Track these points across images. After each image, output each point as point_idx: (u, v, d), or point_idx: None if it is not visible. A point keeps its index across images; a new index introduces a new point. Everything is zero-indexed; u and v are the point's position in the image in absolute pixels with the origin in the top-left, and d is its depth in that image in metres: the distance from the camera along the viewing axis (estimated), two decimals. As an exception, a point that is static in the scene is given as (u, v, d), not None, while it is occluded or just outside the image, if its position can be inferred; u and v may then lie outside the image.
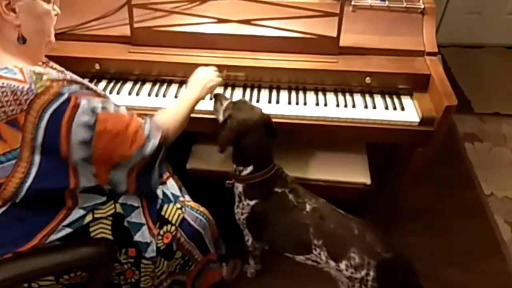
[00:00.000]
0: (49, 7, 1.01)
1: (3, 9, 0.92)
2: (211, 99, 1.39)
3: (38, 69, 0.94)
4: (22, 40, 0.97)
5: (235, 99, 1.44)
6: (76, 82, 0.97)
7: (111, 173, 1.02)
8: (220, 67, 1.44)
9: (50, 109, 0.90)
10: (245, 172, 1.31)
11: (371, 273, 1.13)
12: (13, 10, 0.93)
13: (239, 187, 1.36)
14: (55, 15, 1.05)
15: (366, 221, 1.23)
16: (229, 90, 1.49)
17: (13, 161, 0.94)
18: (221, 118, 1.33)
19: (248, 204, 1.35)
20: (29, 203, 0.99)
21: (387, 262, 1.13)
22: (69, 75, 1.15)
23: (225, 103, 1.33)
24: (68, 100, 0.92)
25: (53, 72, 0.96)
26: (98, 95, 1.04)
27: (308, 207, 1.27)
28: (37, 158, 0.94)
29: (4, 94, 0.89)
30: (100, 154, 0.97)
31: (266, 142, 1.30)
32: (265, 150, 1.31)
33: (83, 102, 0.93)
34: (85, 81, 1.16)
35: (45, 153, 0.94)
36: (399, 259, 1.16)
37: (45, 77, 0.91)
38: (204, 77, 1.32)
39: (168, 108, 1.23)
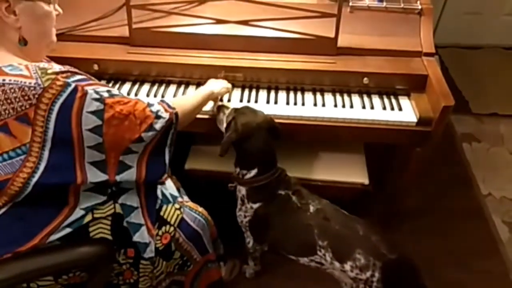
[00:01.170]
0: (50, 8, 1.01)
1: (3, 11, 0.92)
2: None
3: (42, 64, 0.95)
4: (24, 42, 0.98)
5: (233, 99, 1.46)
6: (78, 72, 0.98)
7: (122, 158, 1.02)
8: (218, 68, 1.45)
9: (59, 101, 0.91)
10: (248, 176, 1.31)
11: (376, 274, 1.13)
12: (14, 13, 0.94)
13: (242, 190, 1.36)
14: (57, 15, 1.05)
15: (370, 222, 1.24)
16: (225, 99, 1.49)
17: (22, 156, 0.95)
18: (224, 125, 1.33)
19: (251, 207, 1.35)
20: (31, 201, 0.99)
21: (392, 263, 1.13)
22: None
23: (227, 111, 1.34)
24: (75, 90, 0.93)
25: (56, 66, 0.97)
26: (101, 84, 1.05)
27: (311, 209, 1.27)
28: (46, 153, 0.95)
29: (12, 90, 0.89)
30: (111, 140, 0.98)
31: (270, 145, 1.30)
32: (270, 153, 1.31)
33: (90, 91, 0.95)
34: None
35: (55, 147, 0.95)
36: (404, 260, 1.16)
37: (49, 71, 0.92)
38: (218, 82, 1.38)
39: (186, 95, 1.33)
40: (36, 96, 0.90)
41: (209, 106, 1.39)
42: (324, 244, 1.22)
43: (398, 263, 1.15)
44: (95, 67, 1.47)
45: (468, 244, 1.86)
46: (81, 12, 1.53)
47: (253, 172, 1.30)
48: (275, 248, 1.44)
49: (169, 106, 1.11)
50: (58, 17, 1.07)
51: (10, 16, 0.94)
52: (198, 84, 1.50)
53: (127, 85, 1.50)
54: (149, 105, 1.06)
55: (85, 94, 0.94)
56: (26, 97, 0.90)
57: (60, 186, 1.00)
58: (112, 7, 1.54)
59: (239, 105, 1.39)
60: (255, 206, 1.34)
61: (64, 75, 0.93)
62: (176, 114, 1.11)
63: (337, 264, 1.21)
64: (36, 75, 0.91)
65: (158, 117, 1.05)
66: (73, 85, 0.93)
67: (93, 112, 0.95)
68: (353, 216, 1.27)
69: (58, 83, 0.91)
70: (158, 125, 1.05)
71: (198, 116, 1.40)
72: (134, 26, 1.47)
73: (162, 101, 1.12)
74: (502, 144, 2.43)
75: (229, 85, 1.41)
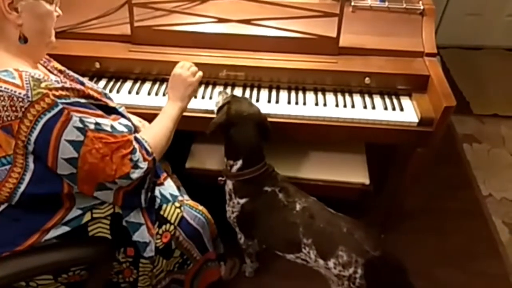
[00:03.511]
0: (51, 8, 1.01)
1: (5, 8, 0.92)
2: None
3: (38, 74, 0.93)
4: (24, 39, 0.97)
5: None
6: (74, 90, 0.96)
7: (95, 193, 1.00)
8: (220, 67, 1.45)
9: (43, 119, 0.89)
10: (235, 168, 1.32)
11: (359, 271, 1.14)
12: (16, 10, 0.93)
13: (229, 184, 1.37)
14: (57, 16, 1.05)
15: (356, 219, 1.24)
16: (228, 89, 1.50)
17: (7, 166, 0.94)
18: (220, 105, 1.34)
19: (238, 203, 1.35)
20: (25, 205, 0.99)
21: (375, 260, 1.14)
22: (70, 73, 1.15)
23: (226, 95, 1.36)
24: (60, 112, 0.90)
25: (52, 78, 0.95)
26: (97, 106, 1.01)
27: (298, 207, 1.27)
28: (31, 164, 0.94)
29: (1, 98, 0.88)
30: (84, 175, 0.96)
31: (256, 139, 1.30)
32: (255, 146, 1.31)
33: (75, 118, 0.92)
34: (85, 80, 1.17)
35: (39, 160, 0.94)
36: (388, 257, 1.16)
37: (43, 84, 0.90)
38: (182, 85, 1.26)
39: (154, 126, 1.18)
40: (23, 109, 0.88)
41: (208, 104, 1.38)
42: (309, 242, 1.22)
43: (382, 260, 1.15)
44: (97, 65, 1.47)
45: (468, 245, 1.86)
46: (83, 10, 1.53)
47: (239, 163, 1.31)
48: (263, 244, 1.44)
49: (147, 152, 1.05)
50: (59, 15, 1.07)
51: (12, 13, 0.93)
52: (199, 83, 1.49)
53: (128, 83, 1.50)
54: (132, 151, 1.00)
55: (68, 119, 0.91)
56: (14, 108, 0.88)
57: (49, 194, 1.00)
58: (114, 5, 1.54)
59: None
60: (242, 201, 1.34)
61: (58, 93, 0.91)
62: (154, 159, 1.07)
63: (321, 261, 1.21)
64: (28, 86, 0.89)
65: (136, 166, 1.00)
66: (60, 106, 0.90)
67: (71, 142, 0.92)
68: (339, 214, 1.27)
69: (47, 100, 0.89)
70: (135, 175, 1.00)
71: (199, 115, 1.40)
72: (136, 24, 1.47)
73: (140, 144, 1.05)
74: (502, 145, 2.43)
75: (194, 80, 1.27)
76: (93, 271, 1.10)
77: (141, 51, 1.48)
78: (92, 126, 0.95)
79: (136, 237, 1.12)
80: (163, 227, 1.18)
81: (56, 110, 0.90)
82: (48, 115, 0.90)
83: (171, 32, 1.48)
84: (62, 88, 0.93)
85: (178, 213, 1.21)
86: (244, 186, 1.33)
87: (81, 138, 0.93)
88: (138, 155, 1.02)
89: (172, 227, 1.19)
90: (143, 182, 1.07)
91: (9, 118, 0.89)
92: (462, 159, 2.31)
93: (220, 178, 1.40)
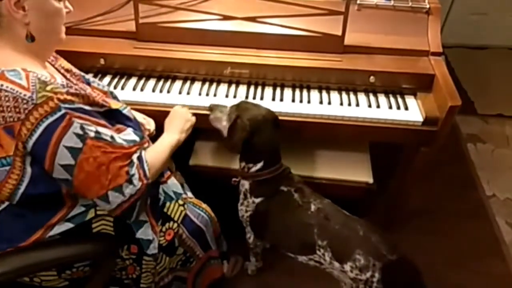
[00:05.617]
0: (60, 5, 1.00)
1: (12, 7, 0.91)
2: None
3: (44, 76, 0.93)
4: (31, 38, 0.96)
5: (238, 97, 1.46)
6: (79, 95, 0.95)
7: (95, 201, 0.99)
8: (224, 64, 1.45)
9: (45, 123, 0.89)
10: (254, 169, 1.32)
11: (376, 274, 1.13)
12: (23, 8, 0.92)
13: (245, 184, 1.36)
14: (67, 12, 1.03)
15: (371, 222, 1.23)
16: (233, 87, 1.49)
17: (7, 167, 0.94)
18: (224, 124, 1.32)
19: (253, 202, 1.35)
20: (27, 203, 0.99)
21: (392, 264, 1.13)
22: (77, 72, 1.15)
23: (226, 109, 1.33)
24: (62, 117, 0.90)
25: (59, 81, 0.94)
26: (99, 115, 1.00)
27: (313, 207, 1.27)
28: (28, 168, 0.94)
29: (6, 99, 0.88)
30: (79, 186, 0.95)
31: (276, 137, 1.31)
32: (276, 145, 1.32)
33: (76, 124, 0.91)
34: (91, 78, 1.17)
35: (35, 162, 0.94)
36: (404, 260, 1.16)
37: (48, 87, 0.90)
38: (182, 118, 1.29)
39: (156, 147, 1.15)
40: (26, 111, 0.88)
41: (212, 100, 1.38)
42: (324, 244, 1.22)
43: (398, 264, 1.14)
44: (102, 61, 1.47)
45: (471, 245, 1.85)
46: (88, 6, 1.52)
47: (259, 165, 1.30)
48: (274, 244, 1.44)
49: (145, 174, 1.02)
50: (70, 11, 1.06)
51: (19, 12, 0.92)
52: (204, 81, 1.50)
53: (133, 80, 1.50)
54: (129, 164, 0.99)
55: (69, 125, 0.90)
56: (17, 110, 0.88)
57: (50, 194, 0.99)
58: (119, 2, 1.54)
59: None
60: (257, 200, 1.34)
61: (63, 97, 0.90)
62: (148, 185, 1.02)
63: (336, 264, 1.21)
64: (34, 89, 0.88)
65: (130, 181, 0.98)
66: (63, 111, 0.90)
67: (69, 148, 0.91)
68: (354, 216, 1.26)
69: (51, 103, 0.89)
70: (128, 190, 0.98)
71: (203, 112, 1.40)
72: (141, 21, 1.47)
73: (141, 163, 1.02)
74: (507, 145, 2.42)
75: (193, 118, 1.32)
76: (96, 268, 1.10)
77: (146, 47, 1.48)
78: (92, 134, 0.94)
79: (139, 234, 1.12)
80: (167, 224, 1.18)
81: (58, 114, 0.90)
82: (50, 119, 0.89)
83: (176, 29, 1.48)
84: (67, 93, 0.92)
85: (181, 211, 1.21)
86: (261, 185, 1.32)
87: (80, 145, 0.92)
88: (135, 171, 0.99)
89: (175, 224, 1.19)
90: (131, 210, 1.02)
91: (11, 119, 0.89)
92: (466, 159, 2.31)
93: (234, 179, 1.40)
